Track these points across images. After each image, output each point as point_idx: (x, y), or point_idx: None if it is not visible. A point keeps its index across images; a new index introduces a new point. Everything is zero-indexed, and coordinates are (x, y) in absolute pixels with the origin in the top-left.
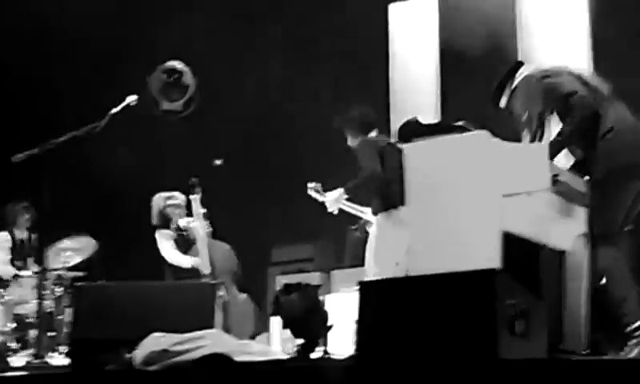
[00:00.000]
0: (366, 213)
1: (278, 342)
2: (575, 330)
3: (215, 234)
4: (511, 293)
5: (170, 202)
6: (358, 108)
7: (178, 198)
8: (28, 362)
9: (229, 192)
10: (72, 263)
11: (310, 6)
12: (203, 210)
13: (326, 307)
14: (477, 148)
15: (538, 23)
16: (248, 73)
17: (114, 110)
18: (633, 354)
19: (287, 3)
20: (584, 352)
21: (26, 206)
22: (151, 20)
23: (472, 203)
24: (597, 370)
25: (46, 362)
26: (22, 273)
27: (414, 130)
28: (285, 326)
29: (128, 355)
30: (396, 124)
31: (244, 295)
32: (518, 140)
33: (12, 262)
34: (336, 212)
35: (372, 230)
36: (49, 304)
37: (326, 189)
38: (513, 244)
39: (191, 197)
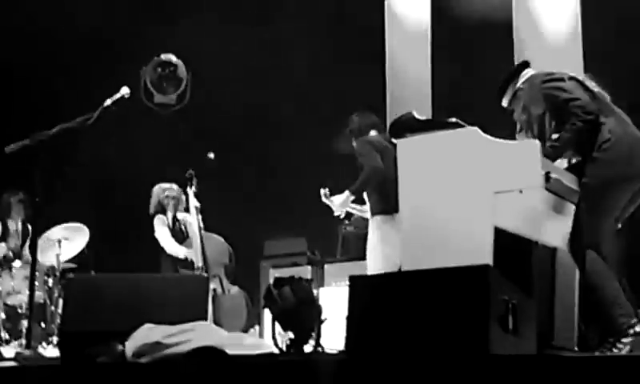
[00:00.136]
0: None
1: (270, 336)
2: (566, 326)
3: (209, 227)
4: (503, 289)
5: (166, 192)
6: (358, 112)
7: (175, 189)
8: (18, 353)
9: (222, 185)
10: (65, 254)
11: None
12: (198, 204)
13: (320, 301)
14: (470, 144)
15: (531, 13)
16: (241, 67)
17: (108, 102)
18: (624, 352)
19: None
20: (575, 348)
21: (20, 198)
22: (146, 14)
23: (464, 199)
24: (587, 366)
25: (38, 353)
26: (14, 263)
27: (407, 126)
28: (275, 320)
29: (119, 347)
30: (391, 119)
31: (236, 288)
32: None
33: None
34: (343, 215)
35: (371, 230)
36: (40, 295)
37: (326, 185)
38: (505, 240)
39: (187, 190)
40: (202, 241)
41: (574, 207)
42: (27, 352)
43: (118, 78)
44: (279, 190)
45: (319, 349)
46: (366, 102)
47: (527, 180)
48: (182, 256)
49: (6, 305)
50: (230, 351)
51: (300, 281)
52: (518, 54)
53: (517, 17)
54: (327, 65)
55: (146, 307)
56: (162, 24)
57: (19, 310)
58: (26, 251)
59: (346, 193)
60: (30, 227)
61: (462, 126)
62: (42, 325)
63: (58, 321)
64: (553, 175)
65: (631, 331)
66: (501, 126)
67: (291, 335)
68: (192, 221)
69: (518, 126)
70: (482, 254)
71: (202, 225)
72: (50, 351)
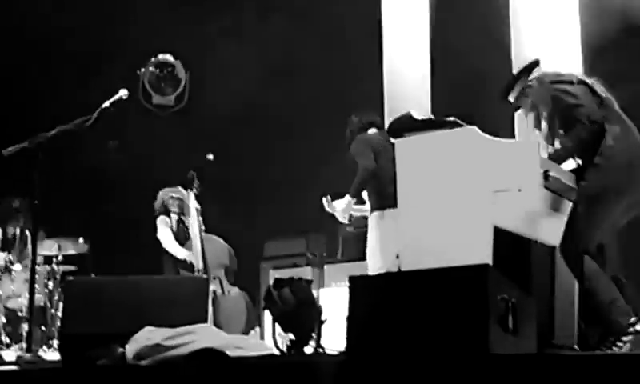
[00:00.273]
0: None
1: (270, 337)
2: (566, 325)
3: (209, 228)
4: (502, 288)
5: (172, 194)
6: (357, 112)
7: (180, 192)
8: (19, 357)
9: (221, 186)
10: (63, 253)
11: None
12: (198, 206)
13: (320, 302)
14: (468, 143)
15: (530, 19)
16: (241, 67)
17: (106, 104)
18: (624, 350)
19: None
20: (575, 347)
21: (17, 206)
22: (142, 12)
23: (463, 199)
24: (588, 365)
25: (39, 356)
26: (14, 267)
27: (406, 125)
28: (275, 321)
29: (120, 350)
30: (390, 119)
31: (236, 289)
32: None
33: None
34: (347, 220)
35: (369, 227)
36: (40, 298)
37: (327, 185)
38: (504, 239)
39: (188, 192)
40: (201, 242)
41: (570, 210)
42: (28, 355)
43: (116, 79)
44: (279, 190)
45: (320, 350)
46: (365, 102)
47: (526, 179)
48: (181, 257)
49: (6, 308)
50: (230, 353)
51: (300, 282)
52: (515, 53)
53: (514, 15)
54: (327, 65)
55: (147, 309)
56: (158, 24)
57: (19, 314)
58: (26, 255)
59: (347, 197)
60: (28, 234)
61: (461, 125)
62: (43, 328)
63: (59, 324)
64: (552, 174)
65: (631, 330)
66: (499, 126)
67: (292, 336)
68: (192, 222)
69: (517, 124)
70: (481, 253)
71: (202, 227)
72: (51, 354)
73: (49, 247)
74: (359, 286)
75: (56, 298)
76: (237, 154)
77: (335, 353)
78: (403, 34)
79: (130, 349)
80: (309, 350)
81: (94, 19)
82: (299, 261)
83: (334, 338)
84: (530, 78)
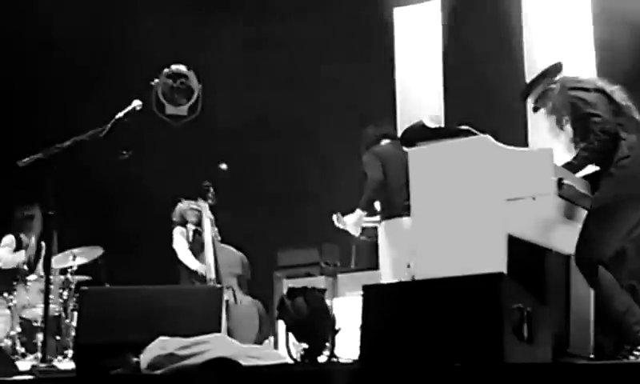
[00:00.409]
0: None
1: (284, 346)
2: (581, 333)
3: (223, 238)
4: (517, 297)
5: (191, 205)
6: (372, 124)
7: (200, 205)
8: (34, 366)
9: (235, 196)
10: (78, 263)
11: (315, 8)
12: (212, 216)
13: (334, 311)
14: (481, 152)
15: (543, 27)
16: (254, 78)
17: (119, 115)
18: None
19: (291, 7)
20: (591, 356)
21: (31, 214)
22: (154, 23)
23: (477, 207)
24: (603, 374)
25: (53, 366)
26: (29, 277)
27: (419, 134)
28: (289, 330)
29: (134, 359)
30: (402, 128)
31: (249, 298)
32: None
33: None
34: (358, 234)
35: (379, 237)
36: (55, 308)
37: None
38: (518, 248)
39: (201, 203)
40: (214, 253)
41: (584, 218)
42: (43, 365)
43: (130, 90)
44: (293, 199)
45: (333, 359)
46: (378, 113)
47: (540, 187)
48: (193, 268)
49: (21, 318)
50: (244, 362)
51: (313, 291)
52: (528, 63)
53: (527, 24)
54: (340, 76)
55: (160, 319)
56: (172, 35)
57: (34, 324)
58: (40, 266)
59: (358, 211)
60: (43, 243)
61: (474, 134)
62: (57, 338)
63: (73, 333)
64: (565, 181)
65: None
66: (512, 135)
67: (305, 346)
68: (206, 233)
69: (530, 125)
70: (496, 261)
71: (218, 237)
72: (65, 364)
73: (64, 260)
74: (373, 295)
75: (70, 307)
76: (250, 164)
77: (349, 362)
78: (416, 45)
79: (144, 358)
80: (322, 359)
81: (107, 31)
82: (313, 270)
83: (347, 347)
84: (552, 80)
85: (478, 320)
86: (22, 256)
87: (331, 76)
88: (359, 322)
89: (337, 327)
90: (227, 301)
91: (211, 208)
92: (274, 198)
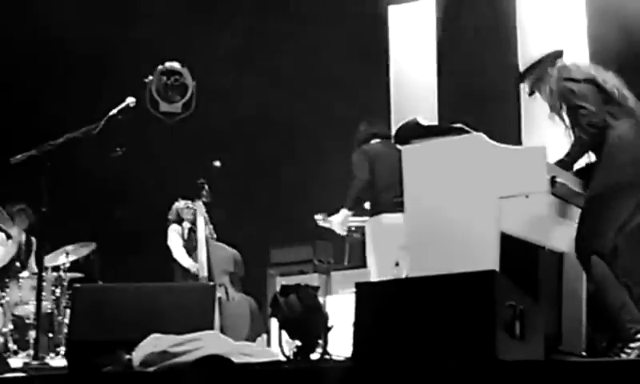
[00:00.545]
0: None
1: (277, 344)
2: (574, 331)
3: (217, 235)
4: (509, 294)
5: (187, 204)
6: (366, 121)
7: (197, 204)
8: (26, 364)
9: (228, 193)
10: (71, 259)
11: (310, 6)
12: (205, 215)
13: (327, 309)
14: (475, 150)
15: (537, 24)
16: (248, 75)
17: (113, 112)
18: (632, 356)
19: (287, 6)
20: (583, 353)
21: (22, 207)
22: (148, 20)
23: (470, 205)
24: (595, 371)
25: (46, 363)
26: (21, 274)
27: (412, 132)
28: (282, 328)
29: (126, 356)
30: (396, 126)
31: (241, 295)
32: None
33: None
34: (344, 233)
35: (366, 234)
36: (48, 305)
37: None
38: (511, 246)
39: (196, 203)
40: (207, 250)
41: (580, 211)
42: (35, 362)
43: (124, 87)
44: (286, 197)
45: (326, 356)
46: (372, 111)
47: (533, 185)
48: (185, 266)
49: (13, 315)
50: (236, 360)
51: (306, 289)
52: (523, 62)
53: (521, 24)
54: (334, 73)
55: (153, 316)
56: (166, 32)
57: (27, 321)
58: (32, 262)
59: (344, 210)
60: (33, 238)
61: (467, 132)
62: (50, 335)
63: (65, 331)
64: (558, 179)
65: (639, 336)
66: (506, 133)
67: (298, 343)
68: (199, 231)
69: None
70: (488, 259)
71: (214, 235)
72: (58, 361)
73: (55, 258)
74: (366, 293)
75: (63, 305)
76: (244, 161)
77: (342, 359)
78: (410, 42)
79: (137, 356)
80: (315, 356)
81: (100, 27)
82: (306, 268)
83: (340, 344)
84: (550, 67)
85: (470, 317)
86: (13, 247)
87: (326, 74)
88: (352, 319)
89: (330, 325)
90: (220, 298)
91: (206, 205)
92: (267, 196)
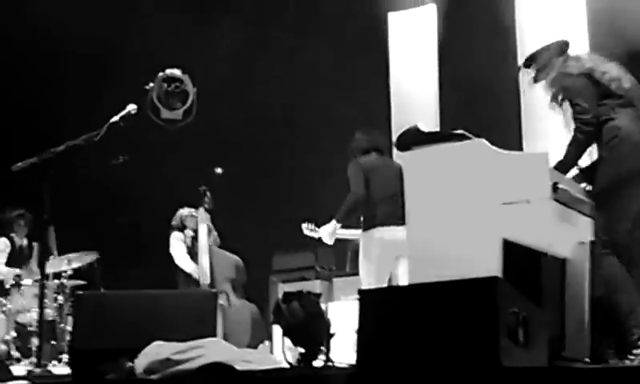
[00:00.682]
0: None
1: (280, 351)
2: (578, 337)
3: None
4: (512, 301)
5: (192, 212)
6: (362, 130)
7: (200, 212)
8: (29, 371)
9: (229, 199)
10: (73, 266)
11: (311, 13)
12: (209, 222)
13: (329, 315)
14: (476, 156)
15: (537, 31)
16: (249, 82)
17: (114, 119)
18: (637, 362)
19: (287, 12)
20: (587, 360)
21: (21, 213)
22: (150, 26)
23: (472, 211)
24: (599, 378)
25: (48, 371)
26: (23, 281)
27: (413, 138)
28: (284, 334)
29: (129, 364)
30: (396, 133)
31: (243, 301)
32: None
33: (8, 266)
34: (331, 242)
35: (360, 247)
36: (50, 312)
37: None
38: (513, 252)
39: (198, 210)
40: (210, 257)
41: (582, 217)
42: (38, 370)
43: (125, 94)
44: (288, 203)
45: (329, 363)
46: (373, 119)
47: (535, 191)
48: (187, 271)
49: (16, 323)
50: (239, 367)
51: (309, 295)
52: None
53: (521, 31)
54: (335, 82)
55: (155, 324)
56: (166, 38)
57: (29, 328)
58: (34, 268)
59: (333, 222)
60: (34, 244)
61: (469, 138)
62: (53, 342)
63: (68, 338)
64: (560, 186)
65: None
66: (507, 141)
67: (301, 350)
68: (201, 237)
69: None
70: (491, 265)
71: (218, 241)
72: (61, 369)
73: (58, 264)
74: (369, 300)
75: (66, 312)
76: (246, 168)
77: (345, 366)
78: (410, 49)
79: (140, 363)
80: (318, 363)
81: (101, 34)
82: (308, 274)
83: (343, 351)
84: (555, 57)
85: (473, 324)
86: (15, 271)
87: (327, 80)
88: (355, 326)
89: (332, 331)
90: (222, 305)
91: (209, 212)
92: (269, 202)
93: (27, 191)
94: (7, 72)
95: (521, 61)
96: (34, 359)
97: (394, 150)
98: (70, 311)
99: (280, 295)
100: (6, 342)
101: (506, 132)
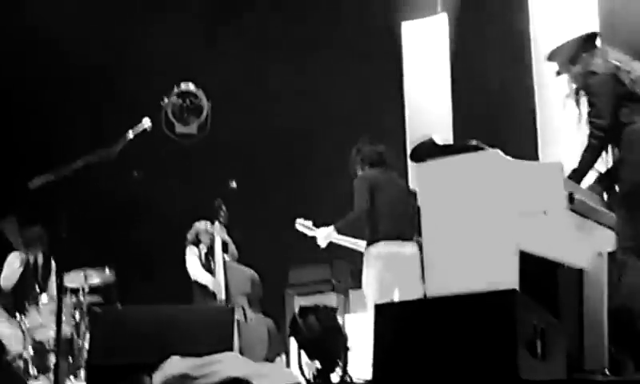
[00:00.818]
0: (359, 244)
1: (296, 365)
2: (596, 348)
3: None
4: (530, 313)
5: (207, 228)
6: (368, 143)
7: (216, 228)
8: None
9: (245, 213)
10: (90, 283)
11: (324, 24)
12: (226, 237)
13: (346, 329)
14: (491, 166)
15: (552, 40)
16: (263, 96)
17: (129, 134)
18: None
19: (301, 24)
20: (606, 372)
21: (37, 229)
22: (163, 40)
23: (488, 223)
24: None
25: None
26: (41, 298)
27: (428, 151)
28: (300, 348)
29: (147, 379)
30: (411, 142)
31: (259, 316)
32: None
33: (24, 283)
34: (324, 245)
35: (364, 261)
36: (67, 329)
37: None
38: (530, 263)
39: (214, 225)
40: (224, 271)
41: (600, 227)
42: None
43: (140, 109)
44: (303, 217)
45: (346, 378)
46: (387, 124)
47: (551, 201)
48: (203, 282)
49: (33, 340)
50: (256, 382)
51: (325, 309)
52: (538, 81)
53: (535, 42)
54: (348, 95)
55: (172, 339)
56: (180, 53)
57: (47, 345)
58: (52, 284)
59: (331, 227)
60: (52, 261)
61: (483, 149)
62: (70, 359)
63: (85, 355)
64: (577, 196)
65: None
66: (522, 154)
67: (318, 364)
68: (217, 252)
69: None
70: (508, 278)
71: (236, 255)
72: None
73: (75, 280)
74: (385, 313)
75: (83, 328)
76: (260, 181)
77: (362, 381)
78: (423, 58)
79: (157, 379)
80: (335, 377)
81: (116, 50)
82: (324, 287)
83: (359, 365)
84: (583, 52)
85: (491, 337)
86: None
87: (340, 91)
88: (371, 339)
89: (349, 345)
90: (237, 320)
91: (224, 226)
92: (284, 215)
93: (43, 207)
94: (21, 86)
95: (536, 66)
96: (51, 376)
97: (402, 164)
98: (86, 328)
99: (296, 309)
100: (24, 359)
101: (521, 138)
